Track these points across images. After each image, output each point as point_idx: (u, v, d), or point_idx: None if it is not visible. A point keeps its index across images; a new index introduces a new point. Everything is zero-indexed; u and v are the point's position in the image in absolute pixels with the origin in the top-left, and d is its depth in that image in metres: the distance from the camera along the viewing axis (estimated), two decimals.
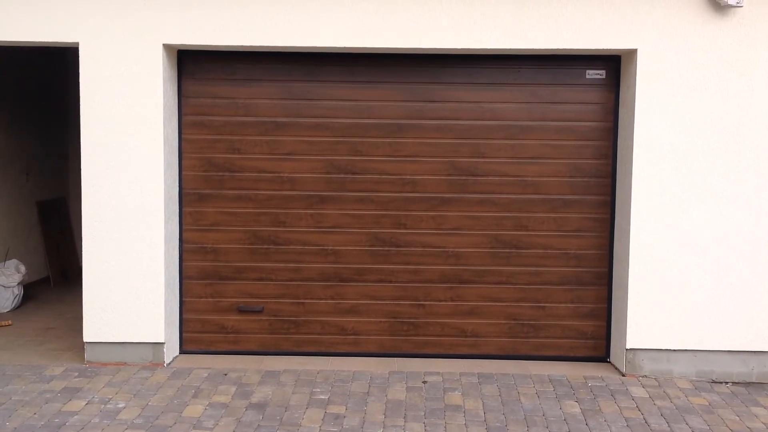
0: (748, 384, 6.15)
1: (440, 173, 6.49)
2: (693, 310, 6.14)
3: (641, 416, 5.38)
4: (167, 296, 6.27)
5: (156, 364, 6.26)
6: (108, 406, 5.40)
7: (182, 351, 6.63)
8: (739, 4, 5.84)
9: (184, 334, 6.62)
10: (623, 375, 6.22)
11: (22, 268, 8.40)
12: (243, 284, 6.60)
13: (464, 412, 5.40)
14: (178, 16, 6.01)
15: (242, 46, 6.12)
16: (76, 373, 6.04)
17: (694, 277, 6.12)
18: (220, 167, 6.51)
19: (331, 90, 6.47)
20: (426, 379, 6.05)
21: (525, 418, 5.30)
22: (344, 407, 5.44)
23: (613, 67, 6.38)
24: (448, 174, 6.49)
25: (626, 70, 6.24)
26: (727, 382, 6.16)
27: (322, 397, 5.63)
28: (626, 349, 6.19)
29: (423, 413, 5.36)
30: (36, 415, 5.20)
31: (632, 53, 6.08)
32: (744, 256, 6.10)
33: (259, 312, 6.62)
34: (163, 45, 6.05)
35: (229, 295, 6.61)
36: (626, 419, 5.32)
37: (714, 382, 6.16)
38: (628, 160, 6.14)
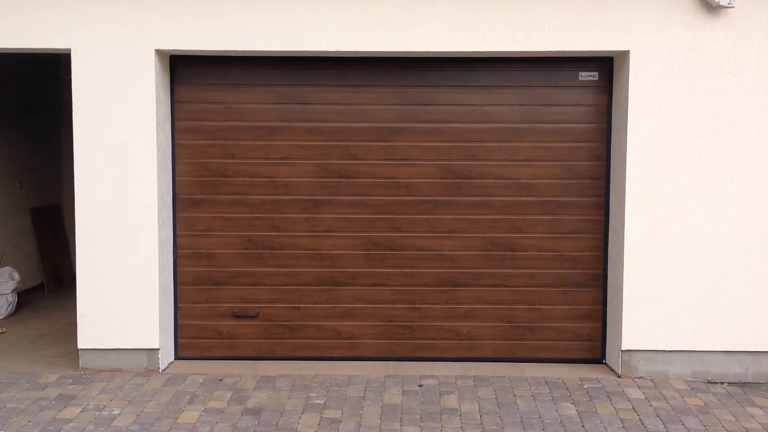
0: (743, 384, 6.15)
1: (434, 176, 6.49)
2: (688, 310, 6.14)
3: (637, 417, 5.38)
4: (162, 302, 6.25)
5: (151, 370, 6.24)
6: (103, 413, 5.38)
7: (177, 357, 6.61)
8: (730, 5, 5.85)
9: (179, 340, 6.60)
10: (619, 376, 6.22)
11: (16, 275, 8.38)
12: (238, 289, 6.59)
13: (460, 415, 5.40)
14: (170, 22, 6.00)
15: (235, 51, 6.11)
16: (71, 380, 6.02)
17: (689, 278, 6.12)
18: (213, 172, 6.50)
19: (324, 94, 6.47)
20: (422, 383, 6.04)
21: (521, 421, 5.30)
22: (340, 412, 5.43)
23: (605, 69, 6.39)
24: (442, 177, 6.49)
25: (619, 72, 6.25)
26: (722, 383, 6.16)
27: (318, 401, 5.62)
28: (622, 351, 6.19)
29: (419, 417, 5.35)
30: (30, 423, 5.18)
31: (625, 54, 6.09)
32: (738, 256, 6.11)
33: (254, 317, 6.61)
34: (156, 50, 6.04)
35: (224, 301, 6.60)
36: (622, 420, 5.32)
37: (710, 382, 6.17)
38: (622, 161, 6.15)
